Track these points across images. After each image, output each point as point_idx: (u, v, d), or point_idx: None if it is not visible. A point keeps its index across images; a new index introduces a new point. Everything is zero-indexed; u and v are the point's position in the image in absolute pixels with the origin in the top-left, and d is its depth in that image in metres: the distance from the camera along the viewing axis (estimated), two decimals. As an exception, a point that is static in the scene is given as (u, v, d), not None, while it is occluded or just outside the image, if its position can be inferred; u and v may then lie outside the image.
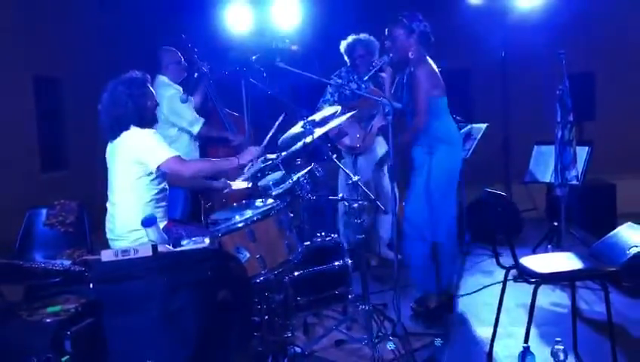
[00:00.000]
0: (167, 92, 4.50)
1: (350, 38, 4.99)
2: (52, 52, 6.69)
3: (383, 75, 3.95)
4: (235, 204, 3.68)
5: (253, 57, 4.19)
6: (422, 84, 3.66)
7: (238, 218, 3.16)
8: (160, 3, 6.79)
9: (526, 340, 2.89)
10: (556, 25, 6.58)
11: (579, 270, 3.04)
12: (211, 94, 4.77)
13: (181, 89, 4.58)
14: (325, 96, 5.01)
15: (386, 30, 3.81)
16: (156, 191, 3.23)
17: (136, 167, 3.15)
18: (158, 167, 3.13)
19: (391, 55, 3.80)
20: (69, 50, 6.83)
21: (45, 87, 6.79)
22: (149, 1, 6.69)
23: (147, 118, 3.26)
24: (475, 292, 4.40)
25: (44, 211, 3.80)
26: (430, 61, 3.78)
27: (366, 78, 4.03)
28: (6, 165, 5.70)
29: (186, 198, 4.49)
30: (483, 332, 3.63)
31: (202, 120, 4.60)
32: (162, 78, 4.60)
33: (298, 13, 5.90)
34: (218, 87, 4.82)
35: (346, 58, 5.03)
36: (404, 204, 3.93)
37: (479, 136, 5.28)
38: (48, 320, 2.75)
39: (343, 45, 5.01)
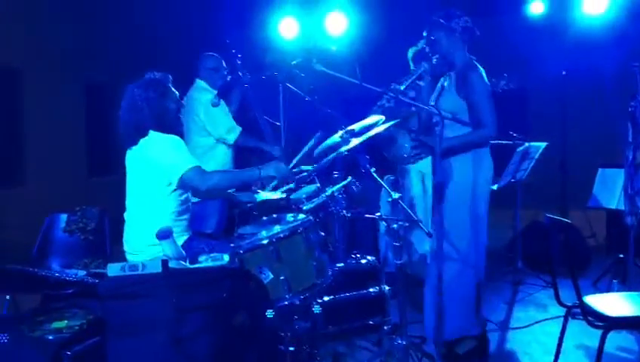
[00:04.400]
0: (203, 97, 4.31)
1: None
2: (102, 59, 6.83)
3: (422, 83, 3.54)
4: (264, 218, 3.38)
5: (293, 62, 3.92)
6: (484, 89, 3.26)
7: (264, 233, 2.86)
8: (213, 17, 6.78)
9: (590, 393, 2.48)
10: (623, 41, 6.10)
11: (656, 315, 2.59)
12: (250, 102, 4.52)
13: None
14: (382, 101, 4.66)
15: (424, 34, 3.44)
16: (178, 203, 2.96)
17: (155, 177, 2.89)
18: (180, 178, 2.87)
19: (434, 61, 3.42)
20: (119, 58, 6.93)
21: (96, 94, 6.97)
22: (202, 14, 6.68)
23: (167, 122, 2.97)
24: (526, 326, 3.97)
25: (64, 216, 3.60)
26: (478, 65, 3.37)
27: (403, 87, 3.57)
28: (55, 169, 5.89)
29: (222, 209, 4.24)
30: (536, 376, 3.22)
31: (239, 128, 4.37)
32: (200, 83, 4.43)
33: (346, 25, 5.73)
34: (258, 94, 4.58)
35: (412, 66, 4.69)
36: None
37: (537, 155, 4.84)
38: (50, 338, 2.51)
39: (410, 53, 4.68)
